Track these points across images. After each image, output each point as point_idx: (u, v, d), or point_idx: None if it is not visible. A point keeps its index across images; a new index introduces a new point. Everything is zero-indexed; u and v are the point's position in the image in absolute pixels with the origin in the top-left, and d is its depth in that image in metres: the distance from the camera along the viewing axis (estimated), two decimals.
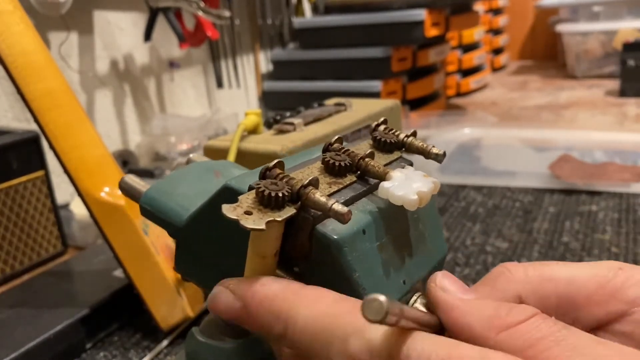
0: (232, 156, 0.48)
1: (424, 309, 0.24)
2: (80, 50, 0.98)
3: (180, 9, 1.02)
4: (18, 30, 0.48)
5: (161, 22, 1.02)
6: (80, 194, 0.49)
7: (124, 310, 0.54)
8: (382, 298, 0.18)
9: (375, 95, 1.32)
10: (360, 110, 0.60)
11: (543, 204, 0.76)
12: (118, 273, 0.56)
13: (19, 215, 0.62)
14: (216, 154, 0.50)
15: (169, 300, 0.51)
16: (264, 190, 0.21)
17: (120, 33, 1.07)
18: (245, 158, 0.48)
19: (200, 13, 0.97)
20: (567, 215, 0.72)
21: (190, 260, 0.28)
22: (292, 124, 0.52)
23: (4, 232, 0.60)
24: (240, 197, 0.21)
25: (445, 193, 0.84)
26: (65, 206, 0.76)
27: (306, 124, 0.53)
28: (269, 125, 0.54)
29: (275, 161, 0.23)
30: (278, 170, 0.23)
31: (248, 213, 0.21)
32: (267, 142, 0.49)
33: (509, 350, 0.19)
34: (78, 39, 0.98)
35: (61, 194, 0.74)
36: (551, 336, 0.19)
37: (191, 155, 0.33)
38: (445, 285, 0.22)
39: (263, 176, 0.23)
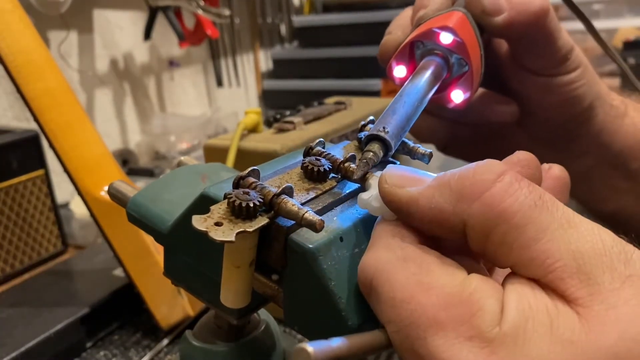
0: (232, 155, 0.48)
1: None
2: (80, 49, 0.98)
3: (180, 7, 1.01)
4: (18, 29, 0.48)
5: (161, 21, 1.02)
6: (80, 193, 0.49)
7: (124, 309, 0.54)
8: (309, 349, 0.17)
9: (375, 94, 1.32)
10: (360, 108, 0.60)
11: None
12: (118, 272, 0.56)
13: (19, 215, 0.62)
14: (216, 153, 0.50)
15: (169, 299, 0.51)
16: (234, 200, 0.20)
17: (120, 32, 1.07)
18: (245, 157, 0.48)
19: (200, 12, 0.97)
20: None
21: (178, 266, 0.28)
22: (292, 122, 0.52)
23: (4, 231, 0.60)
24: (212, 208, 0.21)
25: None
26: (66, 205, 0.76)
27: (306, 122, 0.53)
28: (269, 124, 0.54)
29: (249, 169, 0.22)
30: (251, 179, 0.22)
31: (218, 224, 0.20)
32: (267, 141, 0.49)
33: (487, 220, 0.18)
34: (78, 38, 0.98)
35: (61, 193, 0.74)
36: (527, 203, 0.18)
37: (182, 158, 0.32)
38: (396, 181, 0.21)
39: (236, 185, 0.22)
